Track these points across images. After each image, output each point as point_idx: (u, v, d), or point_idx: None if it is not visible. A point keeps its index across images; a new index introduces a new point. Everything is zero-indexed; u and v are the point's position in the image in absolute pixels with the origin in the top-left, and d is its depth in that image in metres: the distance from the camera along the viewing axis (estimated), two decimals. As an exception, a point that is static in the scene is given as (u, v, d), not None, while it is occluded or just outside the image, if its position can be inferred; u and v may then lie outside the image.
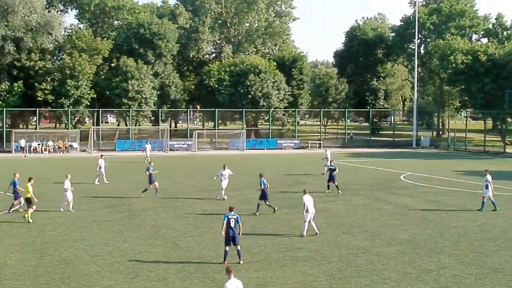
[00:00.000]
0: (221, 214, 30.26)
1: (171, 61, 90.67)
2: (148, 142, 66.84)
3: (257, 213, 30.41)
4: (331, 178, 38.11)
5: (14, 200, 30.77)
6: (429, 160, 64.71)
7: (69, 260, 21.73)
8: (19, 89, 76.03)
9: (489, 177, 32.12)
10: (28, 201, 28.95)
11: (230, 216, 21.31)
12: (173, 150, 74.89)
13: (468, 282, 19.41)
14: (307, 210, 25.37)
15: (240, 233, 21.57)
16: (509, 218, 30.28)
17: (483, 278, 19.91)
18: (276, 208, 31.22)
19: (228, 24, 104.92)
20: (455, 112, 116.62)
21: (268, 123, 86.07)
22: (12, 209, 30.53)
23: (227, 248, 21.28)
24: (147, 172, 35.98)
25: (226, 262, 20.97)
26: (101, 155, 46.29)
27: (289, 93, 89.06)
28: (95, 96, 79.85)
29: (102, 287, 18.68)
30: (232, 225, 21.20)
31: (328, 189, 38.28)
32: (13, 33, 75.20)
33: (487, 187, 31.96)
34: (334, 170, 38.24)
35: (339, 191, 37.90)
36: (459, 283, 19.32)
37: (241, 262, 21.11)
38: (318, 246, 23.88)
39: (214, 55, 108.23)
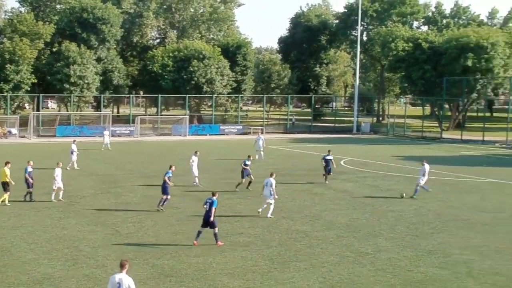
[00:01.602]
0: (158, 199, 30.41)
1: (115, 46, 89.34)
2: (106, 128, 65.64)
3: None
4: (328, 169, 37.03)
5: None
6: (369, 146, 65.79)
7: (5, 248, 21.40)
8: (-44, 73, 73.87)
9: (427, 167, 32.78)
10: (5, 185, 28.73)
11: (207, 200, 22.11)
12: (115, 136, 74.08)
13: (403, 264, 19.96)
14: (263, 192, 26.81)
15: (212, 217, 21.85)
16: (443, 202, 31.18)
17: (418, 260, 20.51)
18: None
19: (173, 9, 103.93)
20: (395, 99, 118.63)
21: (212, 109, 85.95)
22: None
23: (201, 229, 21.95)
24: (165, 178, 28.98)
25: (196, 243, 21.79)
26: (74, 140, 45.43)
27: (233, 79, 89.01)
28: (36, 81, 78.14)
29: (39, 275, 18.47)
30: (207, 208, 21.83)
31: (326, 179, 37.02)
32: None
33: (423, 175, 32.61)
34: (331, 160, 37.20)
35: (326, 182, 36.81)
36: (394, 265, 19.86)
37: (219, 243, 21.88)
38: (258, 231, 24.15)
39: (158, 40, 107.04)
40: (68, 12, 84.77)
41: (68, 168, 40.43)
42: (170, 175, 28.48)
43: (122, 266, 13.67)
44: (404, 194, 32.27)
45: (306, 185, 36.08)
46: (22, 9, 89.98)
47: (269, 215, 26.57)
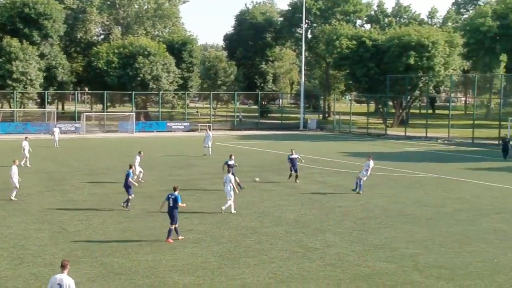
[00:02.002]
0: (110, 197, 30.23)
1: (58, 42, 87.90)
2: (57, 126, 64.43)
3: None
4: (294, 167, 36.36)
5: None
6: (316, 142, 66.39)
7: None
8: None
9: (371, 163, 33.28)
10: None
11: (170, 196, 22.17)
12: (61, 133, 72.85)
13: (351, 259, 20.29)
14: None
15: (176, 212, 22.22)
16: (389, 197, 31.76)
17: (365, 254, 20.87)
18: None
19: (117, 6, 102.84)
20: (340, 96, 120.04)
21: (158, 106, 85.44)
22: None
23: (172, 227, 22.03)
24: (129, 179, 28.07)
25: (169, 240, 21.87)
26: (26, 137, 44.59)
27: (179, 75, 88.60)
28: (-24, 77, 76.24)
29: (-17, 275, 18.12)
30: (171, 204, 22.03)
31: (294, 178, 36.37)
32: None
33: (366, 171, 33.08)
34: (296, 159, 36.46)
35: (297, 180, 36.28)
36: (343, 260, 20.17)
37: (180, 237, 22.17)
38: (208, 228, 24.20)
39: (102, 36, 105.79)
40: (8, 7, 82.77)
41: (22, 165, 39.73)
42: (132, 175, 28.17)
43: (63, 267, 13.51)
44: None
45: (254, 182, 36.12)
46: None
47: (232, 210, 26.92)
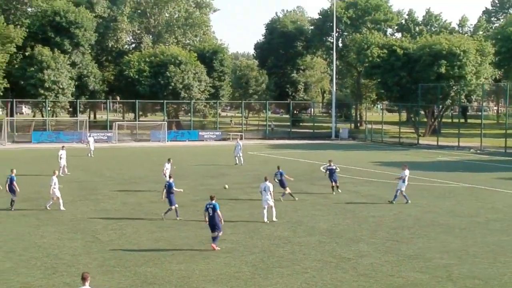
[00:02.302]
0: (142, 206, 30.35)
1: (89, 51, 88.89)
2: (91, 135, 65.09)
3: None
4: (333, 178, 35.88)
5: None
6: (348, 151, 66.06)
7: (-18, 256, 21.06)
8: None
9: (407, 172, 32.90)
10: None
11: (208, 206, 22.18)
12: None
13: (384, 269, 20.03)
14: (263, 197, 26.97)
15: (222, 221, 22.34)
16: (422, 207, 31.36)
17: (399, 264, 20.60)
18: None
19: (148, 14, 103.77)
20: (371, 105, 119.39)
21: (190, 115, 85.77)
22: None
23: (215, 234, 22.13)
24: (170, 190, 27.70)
25: (214, 247, 22.03)
26: (62, 146, 45.36)
27: (210, 84, 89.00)
28: (8, 86, 77.26)
29: (18, 284, 18.15)
30: (211, 214, 22.04)
31: (333, 190, 35.67)
32: None
33: (403, 181, 32.69)
34: (335, 170, 35.97)
35: (339, 190, 35.73)
36: (376, 270, 19.93)
37: (216, 248, 21.99)
38: (241, 237, 24.11)
39: (133, 45, 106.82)
40: (40, 15, 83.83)
41: (61, 174, 40.24)
42: (173, 184, 27.50)
43: (84, 279, 13.54)
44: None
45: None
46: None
47: (274, 218, 27.09)
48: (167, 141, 76.08)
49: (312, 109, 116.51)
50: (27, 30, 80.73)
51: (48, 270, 19.61)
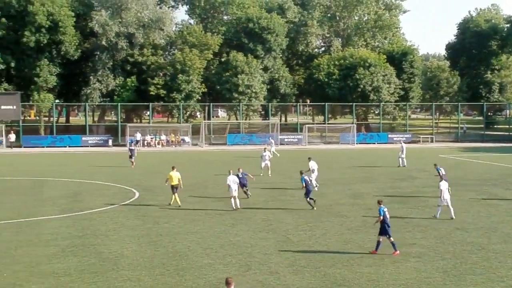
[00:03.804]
0: (332, 208, 30.53)
1: (280, 55, 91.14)
2: (271, 138, 66.78)
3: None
4: None
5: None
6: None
7: (182, 252, 22.18)
8: (133, 84, 78.57)
9: None
10: (174, 188, 30.96)
11: (385, 209, 21.97)
12: (284, 144, 75.34)
13: None
14: (442, 196, 27.23)
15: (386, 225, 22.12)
16: None
17: None
18: None
19: (337, 18, 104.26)
20: None
21: (379, 117, 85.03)
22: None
23: (381, 239, 21.90)
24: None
25: (377, 252, 21.75)
26: (264, 148, 47.80)
27: (400, 86, 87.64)
28: (205, 90, 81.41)
29: (215, 279, 18.93)
30: (388, 216, 22.02)
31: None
32: (126, 30, 78.15)
33: None
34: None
35: None
36: None
37: (397, 252, 21.71)
38: (431, 242, 23.46)
39: (323, 49, 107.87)
40: (234, 22, 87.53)
41: (269, 175, 42.97)
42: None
43: (228, 284, 13.74)
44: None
45: (479, 195, 34.51)
46: (191, 21, 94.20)
47: (452, 215, 27.40)
48: (356, 143, 75.93)
49: (508, 111, 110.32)
50: (223, 37, 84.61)
51: (242, 267, 20.31)
